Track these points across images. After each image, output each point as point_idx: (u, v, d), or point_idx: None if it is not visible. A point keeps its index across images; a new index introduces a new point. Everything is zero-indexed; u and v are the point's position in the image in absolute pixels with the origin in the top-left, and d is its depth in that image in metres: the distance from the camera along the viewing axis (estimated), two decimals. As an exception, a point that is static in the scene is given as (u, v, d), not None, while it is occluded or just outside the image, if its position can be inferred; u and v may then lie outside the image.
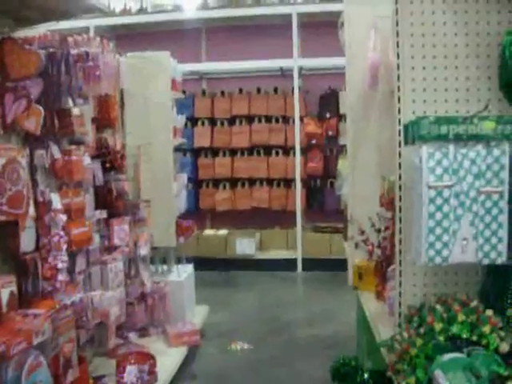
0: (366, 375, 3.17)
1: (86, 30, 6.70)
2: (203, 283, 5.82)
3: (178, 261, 5.12)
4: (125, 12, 7.58)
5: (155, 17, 7.50)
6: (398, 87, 2.33)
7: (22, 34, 2.92)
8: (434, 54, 2.34)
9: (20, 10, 2.87)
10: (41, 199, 2.88)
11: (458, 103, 2.34)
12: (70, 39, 3.22)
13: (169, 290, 4.47)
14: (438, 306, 2.10)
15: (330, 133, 7.44)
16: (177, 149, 5.03)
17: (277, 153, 7.64)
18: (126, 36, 7.75)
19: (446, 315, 2.05)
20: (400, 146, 2.31)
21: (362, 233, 3.42)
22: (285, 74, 7.66)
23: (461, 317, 2.05)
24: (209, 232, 7.77)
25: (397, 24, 2.33)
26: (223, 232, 7.61)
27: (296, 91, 7.28)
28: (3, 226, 2.64)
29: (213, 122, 7.74)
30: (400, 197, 2.35)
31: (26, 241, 2.75)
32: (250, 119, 7.65)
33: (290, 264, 7.29)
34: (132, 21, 7.54)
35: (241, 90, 7.73)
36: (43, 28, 3.15)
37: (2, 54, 2.62)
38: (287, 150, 7.59)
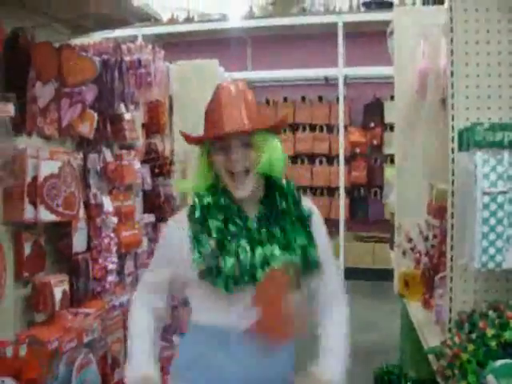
0: (409, 384, 3.16)
1: (134, 38, 6.81)
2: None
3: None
4: (172, 21, 7.71)
5: (202, 26, 7.64)
6: (452, 94, 2.33)
7: (78, 41, 3.01)
8: (488, 62, 2.32)
9: (77, 20, 2.96)
10: (93, 201, 2.94)
11: (512, 110, 2.32)
12: (123, 46, 3.29)
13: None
14: (491, 312, 2.09)
15: (375, 142, 7.42)
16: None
17: (320, 161, 7.65)
18: (173, 44, 7.87)
19: (498, 321, 2.03)
20: (453, 152, 2.31)
21: (410, 240, 3.39)
22: (329, 82, 7.66)
23: (513, 324, 2.02)
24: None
25: (451, 31, 2.33)
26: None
27: (341, 100, 7.26)
28: (57, 226, 2.71)
29: (258, 130, 7.77)
30: (452, 203, 2.34)
31: (78, 241, 2.82)
32: (294, 127, 7.68)
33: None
34: (179, 29, 7.65)
35: (285, 99, 7.77)
36: (97, 36, 3.24)
37: (60, 60, 2.68)
38: (331, 159, 7.60)
